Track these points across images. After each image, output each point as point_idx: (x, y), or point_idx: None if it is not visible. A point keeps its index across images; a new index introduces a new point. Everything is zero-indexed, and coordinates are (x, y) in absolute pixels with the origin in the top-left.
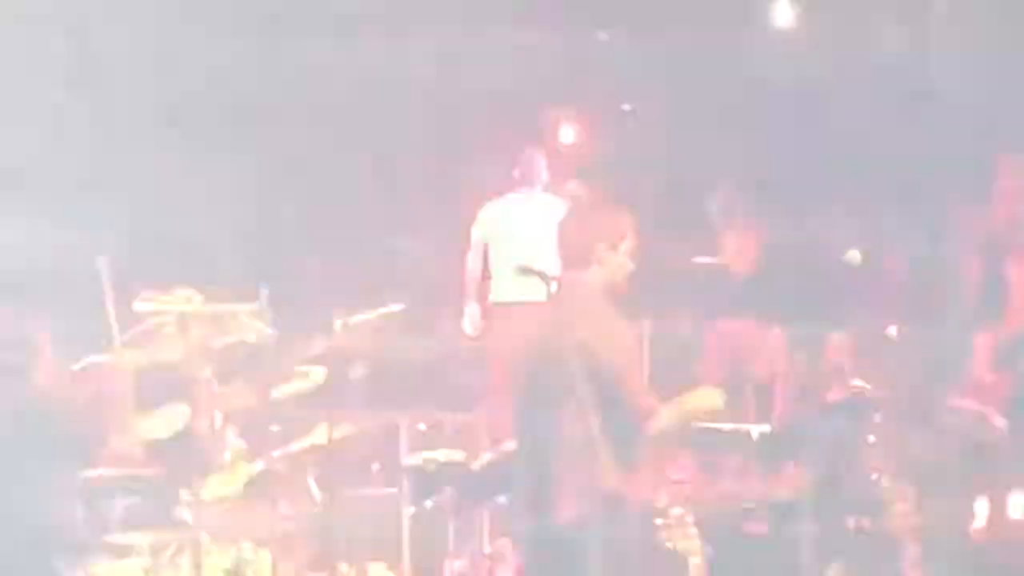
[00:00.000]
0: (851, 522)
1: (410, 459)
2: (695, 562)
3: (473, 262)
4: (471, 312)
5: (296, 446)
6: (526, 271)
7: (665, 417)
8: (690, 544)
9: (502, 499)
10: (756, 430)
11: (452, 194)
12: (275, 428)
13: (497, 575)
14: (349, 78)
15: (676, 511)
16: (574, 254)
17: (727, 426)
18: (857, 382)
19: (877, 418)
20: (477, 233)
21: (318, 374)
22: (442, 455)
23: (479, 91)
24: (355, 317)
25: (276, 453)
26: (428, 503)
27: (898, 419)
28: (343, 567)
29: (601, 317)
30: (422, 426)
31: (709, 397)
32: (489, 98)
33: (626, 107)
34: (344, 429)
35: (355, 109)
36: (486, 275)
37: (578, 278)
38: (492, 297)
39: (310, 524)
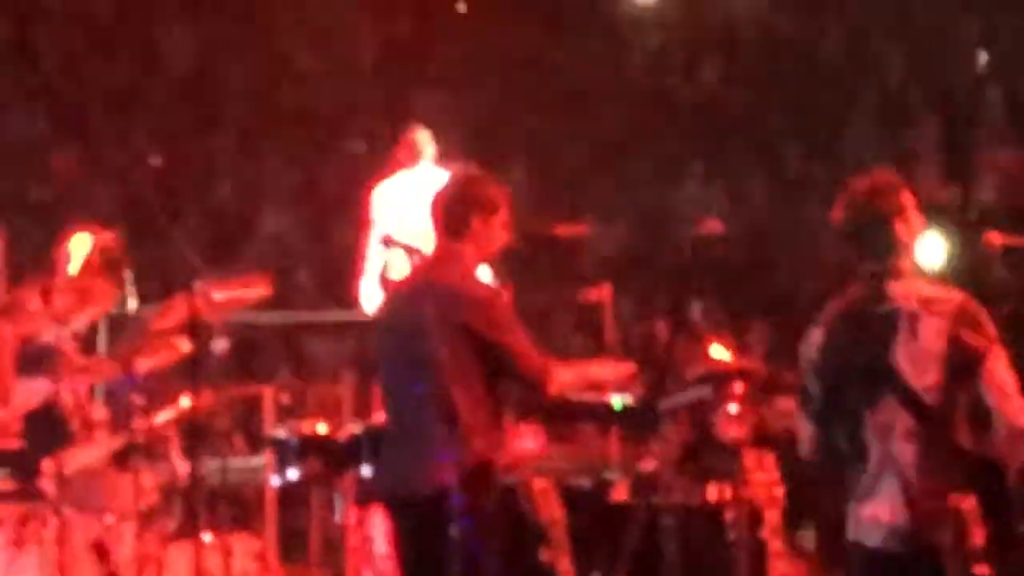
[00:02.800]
0: (712, 490)
1: (274, 430)
2: (557, 533)
3: (368, 240)
4: (365, 290)
5: (160, 418)
6: (390, 244)
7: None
8: (553, 514)
9: (366, 470)
10: (619, 400)
11: (320, 170)
12: (138, 400)
13: (378, 545)
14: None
15: (539, 481)
16: (449, 225)
17: (589, 396)
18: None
19: (737, 388)
20: (372, 212)
21: (182, 345)
22: (306, 426)
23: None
24: (218, 288)
25: (140, 425)
26: (292, 474)
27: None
28: (207, 538)
29: (474, 288)
30: (285, 397)
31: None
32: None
33: None
34: (208, 400)
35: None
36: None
37: (453, 249)
38: (389, 274)
39: (174, 495)
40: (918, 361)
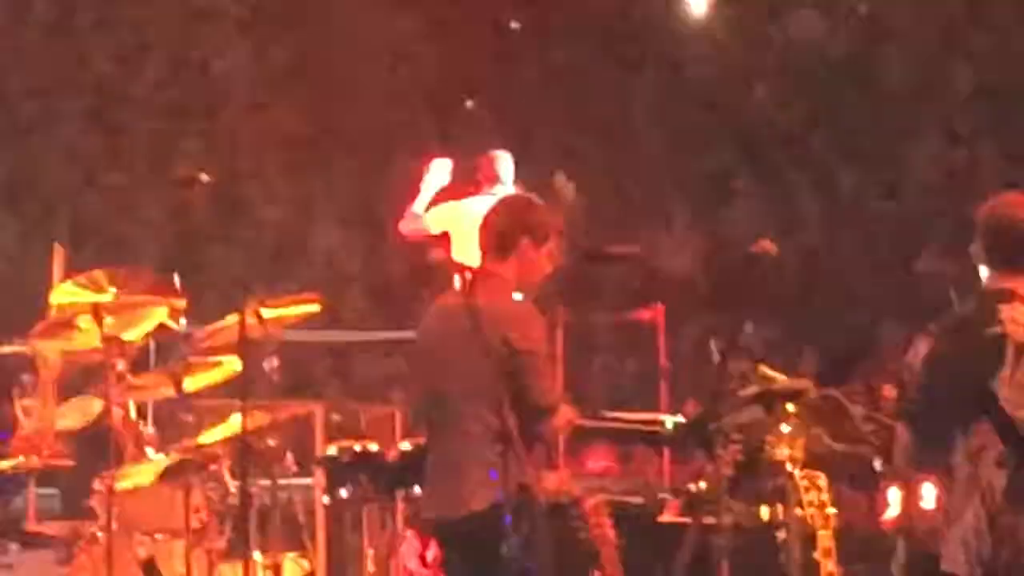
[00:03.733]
0: (765, 511)
1: (325, 449)
2: (608, 552)
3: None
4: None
5: (210, 436)
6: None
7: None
8: (604, 534)
9: (416, 490)
10: (671, 421)
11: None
12: (189, 418)
13: (410, 566)
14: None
15: (590, 501)
16: (495, 245)
17: (641, 416)
18: (769, 372)
19: (790, 408)
20: (444, 225)
21: (232, 364)
22: (357, 445)
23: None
24: (269, 307)
25: (189, 444)
26: (343, 493)
27: (811, 409)
28: (258, 557)
29: (514, 309)
30: (336, 416)
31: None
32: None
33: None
34: (258, 419)
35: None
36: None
37: (496, 270)
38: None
39: (224, 514)
40: (1019, 392)
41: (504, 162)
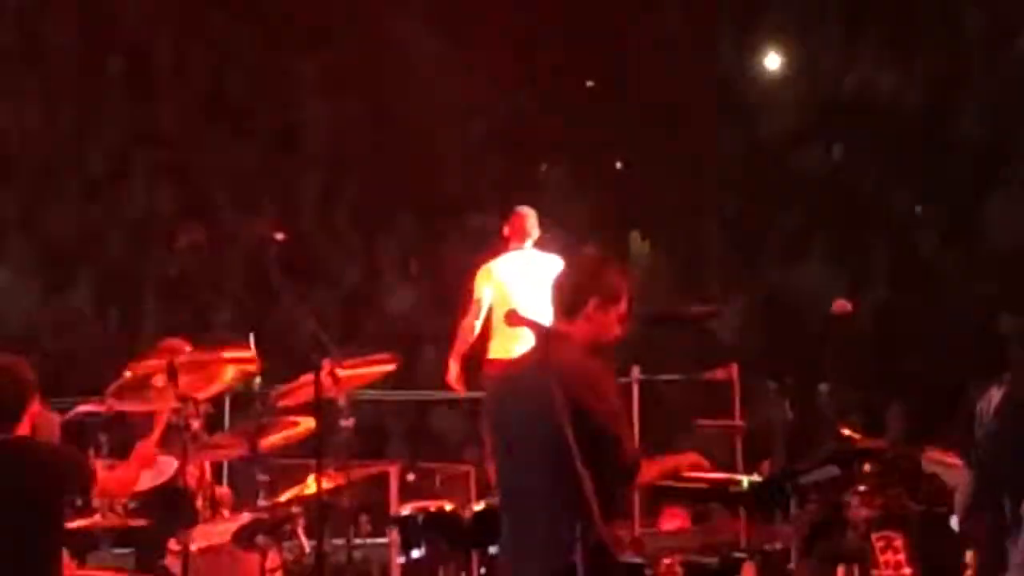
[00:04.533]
0: (841, 572)
1: (400, 509)
2: None
3: (469, 319)
4: (453, 368)
5: (285, 496)
6: (513, 320)
7: (653, 473)
8: None
9: (492, 549)
10: (747, 480)
11: (444, 246)
12: (263, 477)
13: None
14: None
15: (666, 561)
16: (565, 305)
17: (718, 476)
18: (846, 431)
19: (866, 468)
20: (477, 291)
21: (307, 423)
22: (432, 505)
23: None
24: (344, 366)
25: (264, 503)
26: (417, 553)
27: (887, 469)
28: None
29: (587, 370)
30: (411, 475)
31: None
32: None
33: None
34: (333, 478)
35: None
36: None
37: (566, 330)
38: (491, 354)
39: (299, 575)
40: None
41: (532, 218)
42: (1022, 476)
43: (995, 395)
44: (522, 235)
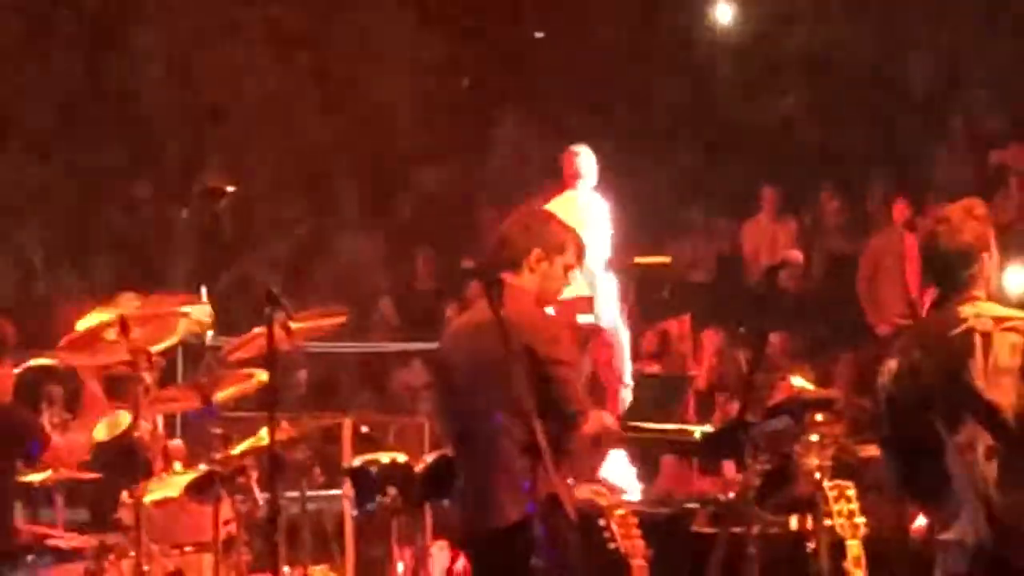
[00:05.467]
0: (794, 521)
1: (353, 461)
2: (638, 563)
3: None
4: None
5: (238, 449)
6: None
7: (608, 420)
8: (634, 545)
9: (445, 501)
10: (699, 431)
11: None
12: (216, 430)
13: None
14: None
15: (619, 512)
16: (509, 257)
17: (669, 427)
18: (798, 381)
19: (818, 417)
20: None
21: (259, 376)
22: (385, 457)
23: None
24: (296, 318)
25: (218, 456)
26: (371, 505)
27: (838, 418)
28: (286, 569)
29: (538, 317)
30: (365, 427)
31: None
32: None
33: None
34: (286, 431)
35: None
36: None
37: (513, 282)
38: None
39: (253, 527)
40: (995, 379)
41: (585, 157)
42: (940, 434)
43: (891, 367)
44: (573, 176)
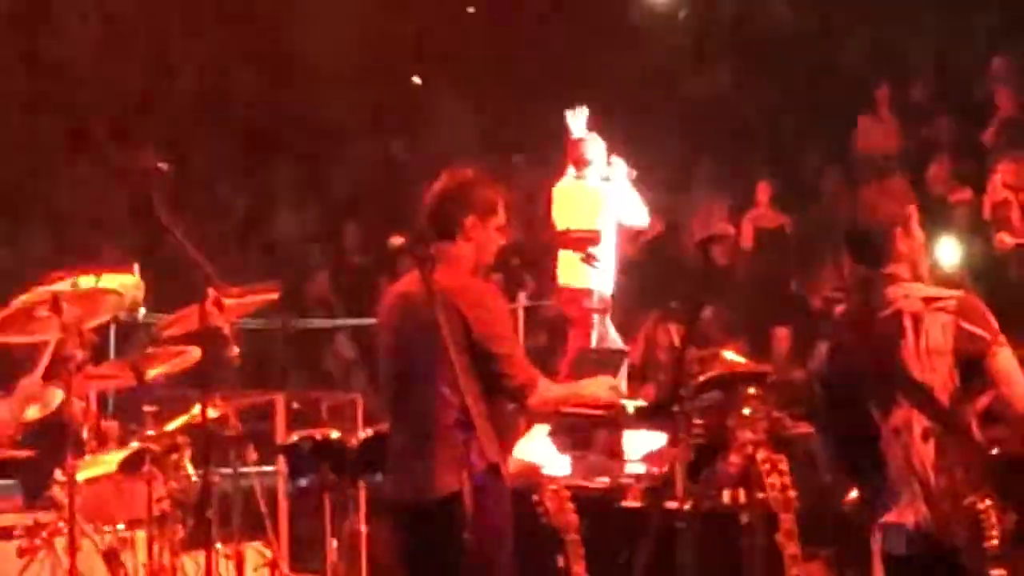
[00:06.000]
0: (726, 495)
1: (286, 438)
2: (571, 538)
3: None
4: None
5: (171, 426)
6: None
7: (551, 393)
8: (567, 519)
9: (379, 476)
10: (632, 405)
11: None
12: (149, 408)
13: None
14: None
15: (552, 487)
16: (443, 227)
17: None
18: (730, 355)
19: (751, 391)
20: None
21: (193, 353)
22: (318, 433)
23: None
24: (229, 295)
25: (151, 433)
26: (304, 482)
27: (771, 392)
28: (219, 546)
29: (473, 289)
30: (298, 404)
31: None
32: None
33: None
34: (219, 408)
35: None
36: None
37: (448, 252)
38: (560, 280)
39: (186, 504)
40: (927, 360)
41: (592, 143)
42: (875, 417)
43: (823, 350)
44: (581, 163)
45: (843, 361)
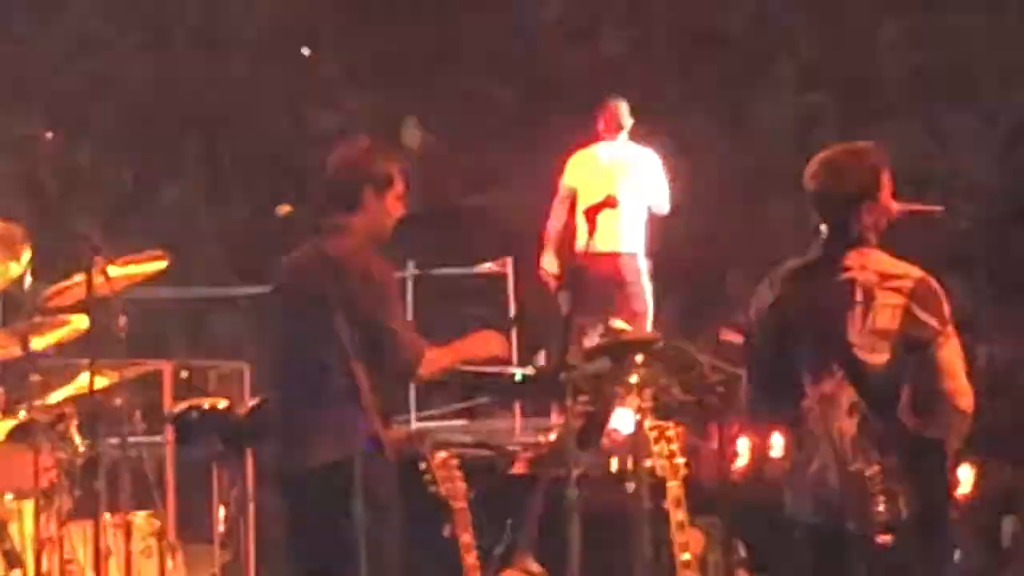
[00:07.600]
0: (614, 462)
1: (174, 407)
2: (459, 506)
3: (557, 208)
4: (549, 260)
5: (57, 396)
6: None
7: (436, 358)
8: (455, 488)
9: (266, 446)
10: (520, 372)
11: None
12: (36, 377)
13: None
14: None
15: (441, 455)
16: (341, 198)
17: (490, 369)
18: (617, 323)
19: (638, 359)
20: (568, 180)
21: (79, 322)
22: (206, 403)
23: None
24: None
25: (37, 403)
26: (192, 451)
27: (658, 360)
28: (107, 516)
29: (362, 262)
30: (185, 374)
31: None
32: None
33: None
34: (106, 377)
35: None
36: (571, 224)
37: (345, 222)
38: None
39: (73, 474)
40: (870, 337)
41: (624, 109)
42: (804, 376)
43: (764, 294)
44: (613, 126)
45: (785, 313)
